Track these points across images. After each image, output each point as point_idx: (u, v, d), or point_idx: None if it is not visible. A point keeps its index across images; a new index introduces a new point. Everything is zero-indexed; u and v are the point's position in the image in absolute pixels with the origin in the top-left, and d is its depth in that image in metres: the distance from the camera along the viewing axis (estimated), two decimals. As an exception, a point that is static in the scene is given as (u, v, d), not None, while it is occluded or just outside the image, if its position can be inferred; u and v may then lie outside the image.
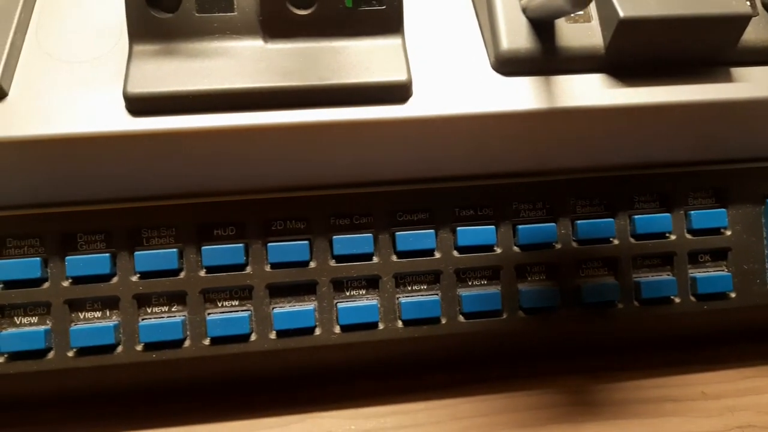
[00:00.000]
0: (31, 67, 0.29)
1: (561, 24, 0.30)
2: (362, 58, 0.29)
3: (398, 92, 0.29)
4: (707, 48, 0.31)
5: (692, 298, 0.33)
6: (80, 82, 0.28)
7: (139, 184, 0.30)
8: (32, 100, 0.28)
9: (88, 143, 0.27)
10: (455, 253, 0.32)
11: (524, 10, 0.30)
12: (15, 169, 0.28)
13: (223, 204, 0.31)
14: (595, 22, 0.31)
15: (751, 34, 0.31)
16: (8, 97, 0.28)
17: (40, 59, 0.29)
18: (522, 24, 0.30)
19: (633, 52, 0.30)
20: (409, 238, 0.31)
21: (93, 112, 0.28)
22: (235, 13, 0.29)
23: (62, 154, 0.28)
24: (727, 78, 0.31)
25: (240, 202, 0.31)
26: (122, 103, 0.28)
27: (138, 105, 0.28)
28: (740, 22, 0.30)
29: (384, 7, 0.29)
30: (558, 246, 0.32)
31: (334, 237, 0.31)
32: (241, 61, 0.29)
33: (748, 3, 0.32)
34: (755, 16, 0.31)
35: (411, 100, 0.29)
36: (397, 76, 0.29)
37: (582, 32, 0.30)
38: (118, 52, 0.30)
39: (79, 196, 0.30)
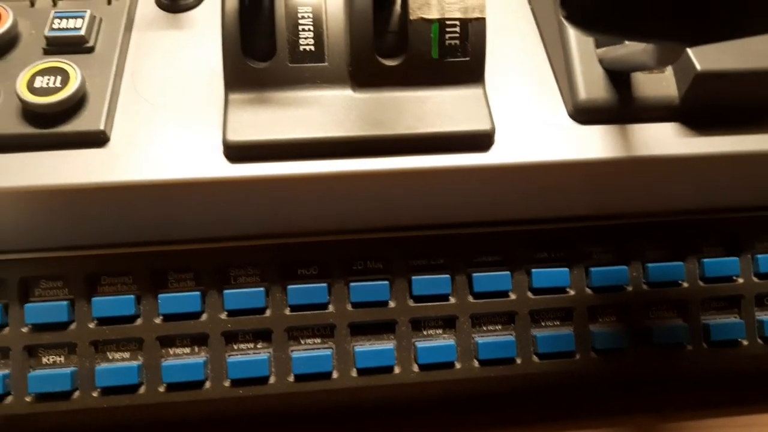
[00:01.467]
0: (130, 112, 0.30)
1: (636, 74, 0.31)
2: (447, 107, 0.30)
3: (482, 141, 0.30)
4: (780, 99, 0.32)
5: (759, 341, 0.34)
6: (177, 127, 0.30)
7: (228, 225, 0.31)
8: (133, 145, 0.29)
9: (187, 188, 0.29)
10: (530, 294, 0.32)
11: (601, 61, 0.31)
12: (113, 211, 0.29)
13: (307, 244, 0.32)
14: (670, 73, 0.32)
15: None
16: (110, 142, 0.29)
17: (137, 104, 0.30)
18: (598, 74, 0.31)
19: (707, 103, 0.31)
20: (486, 279, 0.32)
21: (192, 158, 0.29)
22: (326, 64, 0.30)
23: (161, 197, 0.29)
24: (798, 128, 0.32)
25: (324, 242, 0.32)
26: (220, 149, 0.29)
27: (236, 152, 0.29)
28: (813, 74, 0.31)
29: (468, 58, 0.30)
30: (629, 288, 0.33)
31: (413, 277, 0.32)
32: (332, 109, 0.30)
33: (819, 55, 0.32)
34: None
35: (493, 148, 0.30)
36: (481, 125, 0.30)
37: (657, 82, 0.31)
38: (211, 97, 0.31)
39: (171, 236, 0.31)
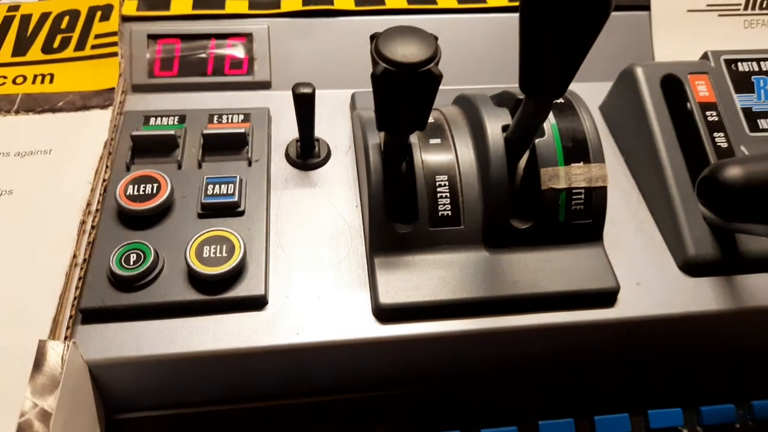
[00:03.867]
0: (282, 273, 0.32)
1: (736, 229, 0.35)
2: (573, 266, 0.33)
3: (608, 297, 0.32)
4: None
5: None
6: (327, 289, 0.32)
7: (362, 378, 0.33)
8: (289, 306, 0.31)
9: (344, 349, 0.31)
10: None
11: (705, 218, 0.34)
12: (270, 369, 0.31)
13: (440, 392, 0.33)
14: None
15: None
16: (269, 306, 0.31)
17: (287, 265, 0.33)
18: (704, 230, 0.34)
19: (804, 256, 0.34)
20: (606, 422, 0.34)
21: (346, 319, 0.31)
22: (462, 227, 0.33)
23: (315, 357, 0.31)
24: None
25: (456, 387, 0.34)
26: (369, 309, 0.31)
27: (387, 314, 0.31)
28: None
29: (591, 220, 0.33)
30: (737, 425, 0.35)
31: (540, 422, 0.34)
32: (469, 270, 0.32)
33: None
34: None
35: (617, 303, 0.33)
36: (608, 283, 0.32)
37: (756, 238, 0.34)
38: (352, 256, 0.33)
39: (314, 388, 0.33)
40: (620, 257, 0.34)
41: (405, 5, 0.44)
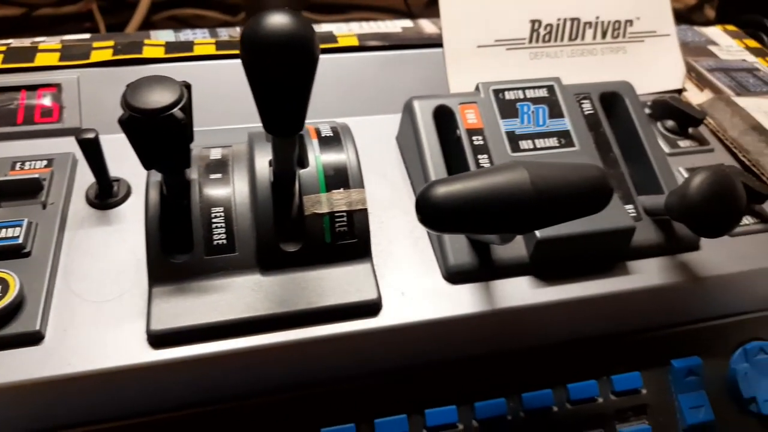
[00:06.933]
0: (63, 309, 0.34)
1: (494, 241, 0.39)
2: (341, 282, 0.36)
3: (371, 308, 0.36)
4: (607, 252, 0.40)
5: (622, 452, 0.40)
6: (106, 320, 0.34)
7: (151, 401, 0.35)
8: (66, 340, 0.33)
9: (114, 376, 0.33)
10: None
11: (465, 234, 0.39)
12: (53, 400, 0.33)
13: (227, 409, 0.36)
14: (520, 238, 0.39)
15: (639, 236, 0.41)
16: (45, 340, 0.33)
17: (70, 301, 0.35)
18: (463, 242, 0.38)
19: (550, 259, 0.39)
20: (387, 424, 0.37)
21: (119, 348, 0.33)
22: (237, 253, 0.36)
23: (90, 386, 0.33)
24: (624, 272, 0.40)
25: (241, 406, 0.36)
26: (144, 337, 0.34)
27: (158, 340, 0.33)
28: (629, 232, 0.39)
29: (356, 240, 0.37)
30: (509, 417, 0.39)
31: (322, 429, 0.36)
32: (243, 293, 0.35)
33: (634, 213, 0.41)
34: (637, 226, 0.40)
35: (382, 313, 0.36)
36: (369, 295, 0.36)
37: (510, 247, 0.39)
38: (137, 289, 0.36)
39: (108, 414, 0.34)
40: (392, 271, 0.38)
41: (213, 51, 0.47)
